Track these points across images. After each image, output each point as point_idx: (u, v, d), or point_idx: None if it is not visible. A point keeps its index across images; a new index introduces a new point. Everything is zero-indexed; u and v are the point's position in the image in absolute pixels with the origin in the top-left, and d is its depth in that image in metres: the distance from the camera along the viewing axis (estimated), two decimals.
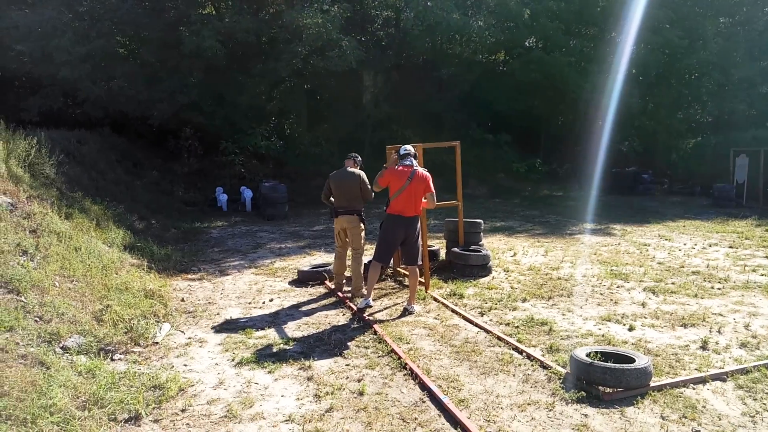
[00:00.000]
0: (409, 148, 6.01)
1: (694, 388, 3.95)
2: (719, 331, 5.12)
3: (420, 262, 6.21)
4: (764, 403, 3.71)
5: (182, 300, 6.54)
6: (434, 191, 5.90)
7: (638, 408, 3.67)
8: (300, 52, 15.49)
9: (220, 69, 16.31)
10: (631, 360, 4.01)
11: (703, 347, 4.72)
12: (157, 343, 5.05)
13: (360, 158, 6.77)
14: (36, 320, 4.60)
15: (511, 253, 8.95)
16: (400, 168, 5.85)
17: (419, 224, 6.07)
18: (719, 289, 6.61)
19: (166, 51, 15.73)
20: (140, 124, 16.59)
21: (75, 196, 9.04)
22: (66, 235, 6.54)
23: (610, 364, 3.88)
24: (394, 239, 5.97)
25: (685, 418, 3.53)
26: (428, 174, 5.91)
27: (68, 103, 15.94)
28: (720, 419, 3.52)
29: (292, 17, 15.49)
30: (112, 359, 4.58)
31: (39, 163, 8.73)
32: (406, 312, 5.89)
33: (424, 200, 5.96)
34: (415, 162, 5.94)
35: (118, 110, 15.76)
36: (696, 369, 4.25)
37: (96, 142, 13.99)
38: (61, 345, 4.44)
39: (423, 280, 6.75)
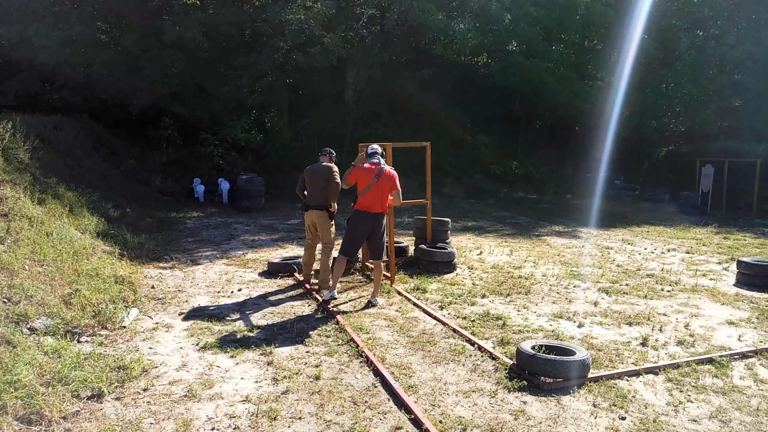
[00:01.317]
0: (376, 146, 6.25)
1: (627, 380, 4.24)
2: (660, 330, 5.44)
3: (385, 257, 6.44)
4: (689, 395, 4.02)
5: (152, 287, 6.67)
6: (400, 189, 6.14)
7: (574, 397, 3.95)
8: (282, 47, 15.59)
9: (202, 60, 16.32)
10: (573, 353, 4.29)
11: (643, 344, 5.03)
12: (124, 327, 5.20)
13: (334, 153, 6.95)
14: (4, 301, 4.72)
15: (478, 252, 9.23)
16: (368, 166, 6.07)
17: (385, 220, 6.30)
18: (668, 291, 6.97)
19: (148, 39, 15.68)
20: (119, 111, 16.52)
21: (49, 182, 9.07)
22: (38, 221, 6.64)
23: (551, 356, 4.16)
24: (360, 234, 6.20)
25: (615, 406, 3.82)
26: (395, 172, 6.15)
27: (46, 88, 15.82)
28: (646, 408, 3.81)
29: (275, 12, 15.58)
30: (78, 341, 4.72)
31: (13, 147, 8.76)
32: (369, 304, 6.12)
33: (390, 197, 6.20)
34: (382, 160, 6.17)
35: (96, 97, 15.68)
36: (633, 363, 4.55)
37: (73, 129, 13.94)
38: (28, 326, 4.58)
39: (389, 275, 6.99)
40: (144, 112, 16.28)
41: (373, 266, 6.46)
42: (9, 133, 8.69)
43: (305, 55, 15.93)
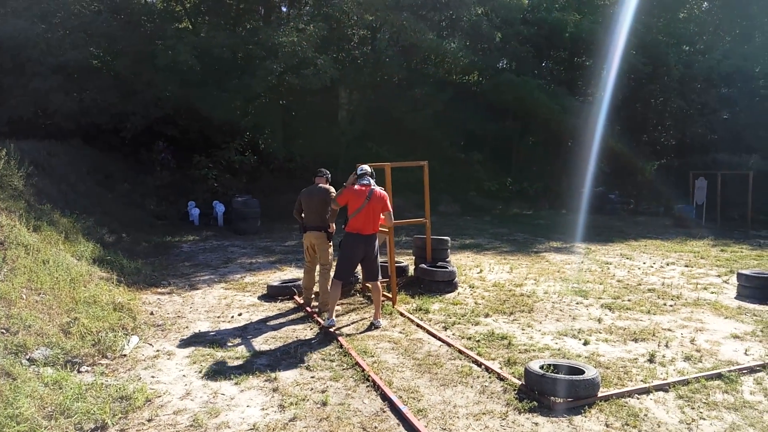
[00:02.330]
0: (366, 167, 6.21)
1: (638, 398, 4.20)
2: (667, 345, 5.41)
3: (382, 277, 6.38)
4: (701, 412, 3.98)
5: (151, 313, 6.58)
6: (391, 210, 6.14)
7: (585, 417, 3.90)
8: (275, 70, 15.66)
9: (195, 83, 16.37)
10: (581, 372, 4.24)
11: (651, 360, 5.00)
12: (124, 355, 5.10)
13: (329, 174, 6.95)
14: (2, 332, 4.63)
15: (478, 270, 9.20)
16: (359, 187, 6.03)
17: (377, 241, 6.26)
18: (671, 305, 6.95)
19: (141, 64, 15.74)
20: (112, 136, 16.48)
21: (44, 208, 8.99)
22: (34, 248, 6.55)
23: (560, 376, 4.11)
24: (353, 257, 6.11)
25: (627, 425, 3.77)
26: (385, 193, 6.15)
27: (39, 114, 15.77)
28: (659, 426, 3.76)
29: (268, 35, 15.69)
30: (78, 371, 4.63)
31: (7, 174, 8.70)
32: (372, 326, 6.05)
33: (382, 217, 6.16)
34: (372, 181, 6.14)
35: (90, 122, 15.65)
36: (642, 380, 4.51)
37: (67, 154, 13.88)
38: (27, 357, 4.48)
39: (390, 295, 6.93)
40: (137, 135, 16.27)
41: (371, 288, 6.41)
42: (3, 161, 8.63)
43: (298, 77, 16.02)
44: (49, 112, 15.38)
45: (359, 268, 6.45)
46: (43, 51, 14.75)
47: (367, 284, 7.59)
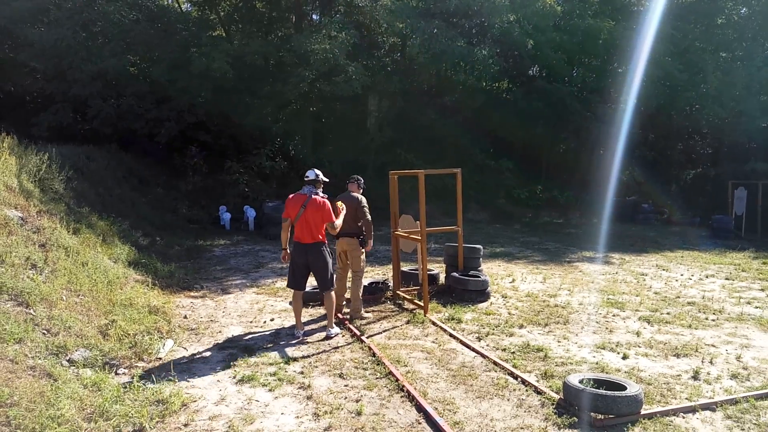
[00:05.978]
0: (311, 174, 6.04)
1: (683, 417, 4.05)
2: (711, 362, 5.22)
3: (333, 286, 6.15)
4: None
5: (185, 317, 6.65)
6: (336, 221, 6.00)
7: None
8: (307, 76, 15.79)
9: (228, 90, 16.63)
10: (623, 388, 4.11)
11: (695, 377, 4.82)
12: (160, 358, 5.16)
13: (362, 180, 6.94)
14: (44, 333, 4.72)
15: (510, 279, 9.07)
16: (297, 195, 5.95)
17: (325, 249, 5.99)
18: (713, 320, 6.72)
19: (176, 71, 16.06)
20: (147, 141, 16.85)
21: (82, 211, 9.20)
22: (73, 250, 6.70)
23: (601, 391, 3.99)
24: (297, 266, 5.98)
25: None
26: (325, 201, 5.92)
27: (77, 120, 16.22)
28: None
29: (301, 42, 15.85)
30: (116, 373, 4.69)
31: (49, 178, 8.94)
32: (326, 338, 5.92)
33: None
34: (314, 189, 5.97)
35: (126, 127, 16.04)
36: (686, 398, 4.35)
37: (104, 159, 14.22)
38: (67, 358, 4.56)
39: (422, 304, 6.87)
40: (171, 141, 16.60)
41: (324, 298, 6.13)
42: (45, 165, 8.87)
43: (330, 84, 16.12)
44: (88, 117, 15.81)
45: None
46: (84, 58, 15.20)
47: (399, 291, 7.57)
